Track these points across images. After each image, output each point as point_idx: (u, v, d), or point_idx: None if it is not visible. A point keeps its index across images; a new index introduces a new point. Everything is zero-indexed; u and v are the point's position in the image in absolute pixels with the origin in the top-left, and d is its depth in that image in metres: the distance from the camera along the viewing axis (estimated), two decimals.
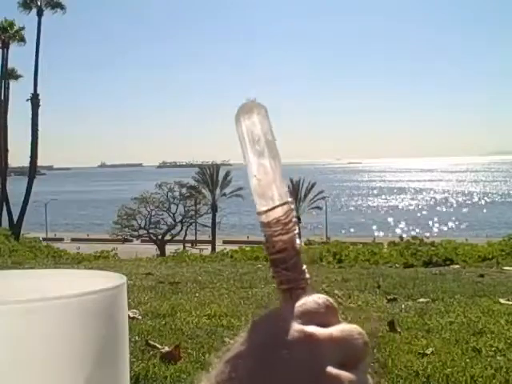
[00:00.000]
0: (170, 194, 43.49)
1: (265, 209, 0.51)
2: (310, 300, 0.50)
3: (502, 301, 5.64)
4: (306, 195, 45.68)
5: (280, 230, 0.50)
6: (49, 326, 0.45)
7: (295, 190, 45.53)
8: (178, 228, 43.17)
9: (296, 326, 0.48)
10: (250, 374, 0.46)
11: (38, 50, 38.64)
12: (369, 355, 0.50)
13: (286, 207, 0.51)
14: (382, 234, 53.87)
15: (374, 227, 62.64)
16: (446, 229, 60.62)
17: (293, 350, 0.46)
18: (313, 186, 46.45)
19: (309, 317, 0.49)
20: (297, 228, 0.51)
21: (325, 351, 0.47)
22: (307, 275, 0.52)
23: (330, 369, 0.46)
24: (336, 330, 0.49)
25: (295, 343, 0.47)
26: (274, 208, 0.51)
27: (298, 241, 0.51)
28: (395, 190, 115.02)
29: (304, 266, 0.52)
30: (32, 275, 0.58)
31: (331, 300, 0.51)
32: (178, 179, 46.27)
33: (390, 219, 69.82)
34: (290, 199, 0.52)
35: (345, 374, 0.46)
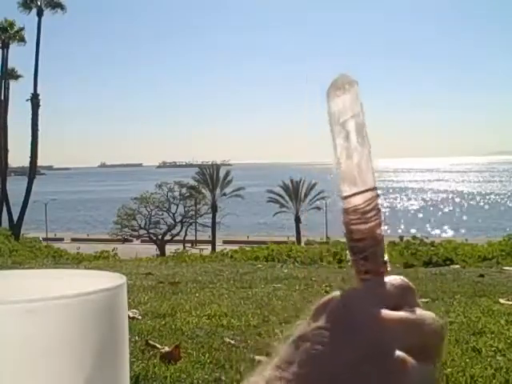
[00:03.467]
0: (169, 193, 43.51)
1: (344, 195, 0.48)
2: (384, 282, 0.48)
3: (502, 301, 5.64)
4: (306, 195, 45.67)
5: (357, 218, 0.48)
6: (49, 325, 0.45)
7: (295, 190, 45.57)
8: (178, 228, 43.19)
9: (364, 308, 0.46)
10: (315, 356, 0.44)
11: (38, 49, 38.71)
12: (439, 345, 0.48)
13: (368, 195, 0.48)
14: None
15: None
16: (445, 229, 60.60)
17: (359, 333, 0.44)
18: (313, 186, 46.44)
19: (381, 299, 0.46)
20: (380, 217, 0.48)
21: (393, 335, 0.44)
22: (387, 267, 0.49)
23: (398, 353, 0.44)
24: (407, 313, 0.46)
25: (362, 325, 0.45)
26: (353, 195, 0.48)
27: (379, 230, 0.48)
28: (395, 190, 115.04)
29: (385, 257, 0.49)
30: (32, 275, 0.58)
31: (407, 281, 0.48)
32: (178, 179, 46.29)
33: (390, 219, 69.88)
34: (374, 186, 0.49)
35: (411, 362, 0.44)
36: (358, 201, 0.48)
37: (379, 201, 0.49)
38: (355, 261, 0.48)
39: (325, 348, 0.44)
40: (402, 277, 0.48)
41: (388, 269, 0.49)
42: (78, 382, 0.46)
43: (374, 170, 0.49)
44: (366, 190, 0.48)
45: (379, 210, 0.48)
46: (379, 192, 0.49)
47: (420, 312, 0.47)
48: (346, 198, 0.48)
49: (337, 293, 0.48)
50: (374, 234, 0.48)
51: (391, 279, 0.48)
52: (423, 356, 0.46)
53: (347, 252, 0.49)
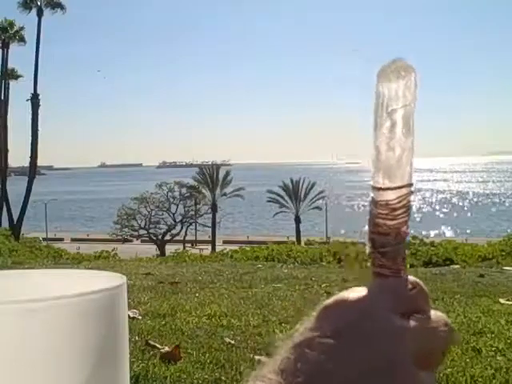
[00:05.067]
0: (169, 194, 43.51)
1: (378, 186, 0.46)
2: (399, 283, 0.46)
3: (502, 301, 5.64)
4: (306, 195, 45.68)
5: (386, 214, 0.45)
6: (49, 325, 0.45)
7: (295, 189, 45.57)
8: (178, 228, 43.19)
9: (376, 314, 0.43)
10: (318, 367, 0.42)
11: (38, 50, 38.72)
12: (447, 349, 0.46)
13: (402, 191, 0.46)
14: None
15: None
16: (445, 229, 60.60)
17: (371, 344, 0.42)
18: (313, 186, 46.45)
19: (394, 303, 0.44)
20: (408, 215, 0.46)
21: (406, 346, 0.42)
22: (405, 265, 0.47)
23: (410, 368, 0.42)
24: (422, 322, 0.44)
25: (373, 334, 0.42)
26: (387, 189, 0.46)
27: (405, 228, 0.46)
28: None
29: (404, 256, 0.47)
30: (32, 275, 0.58)
31: (422, 284, 0.47)
32: (178, 179, 46.30)
33: None
34: (411, 182, 0.46)
35: (420, 375, 0.43)
36: (391, 196, 0.45)
37: (412, 197, 0.47)
38: (373, 253, 0.46)
39: (333, 359, 0.42)
40: (417, 279, 0.47)
41: (404, 267, 0.47)
42: (78, 382, 0.46)
43: (412, 165, 0.46)
44: (402, 187, 0.46)
45: (409, 208, 0.46)
46: (413, 189, 0.47)
47: (434, 317, 0.45)
48: (378, 189, 0.46)
49: (348, 293, 0.45)
50: (398, 231, 0.46)
51: (406, 280, 0.46)
52: (430, 361, 0.45)
53: (366, 242, 0.47)
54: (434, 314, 0.46)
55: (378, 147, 0.46)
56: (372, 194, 0.46)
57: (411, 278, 0.47)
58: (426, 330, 0.44)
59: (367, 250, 0.47)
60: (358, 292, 0.45)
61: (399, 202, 0.45)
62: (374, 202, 0.46)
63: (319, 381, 0.41)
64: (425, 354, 0.44)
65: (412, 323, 0.44)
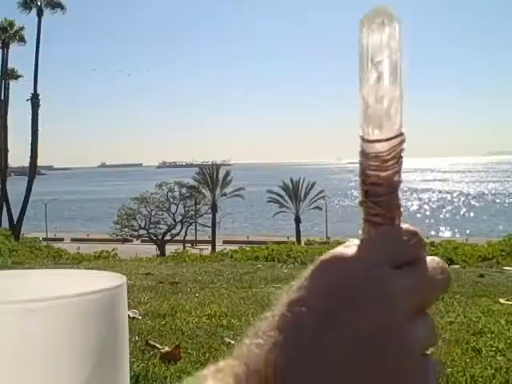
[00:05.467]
0: (169, 194, 43.50)
1: (367, 138, 0.45)
2: (394, 234, 0.45)
3: (502, 301, 5.64)
4: (306, 195, 45.67)
5: (377, 165, 0.44)
6: (49, 325, 0.45)
7: (295, 189, 45.55)
8: (178, 228, 43.18)
9: (370, 272, 0.42)
10: (315, 327, 0.41)
11: (38, 49, 38.69)
12: (440, 294, 0.45)
13: (392, 142, 0.44)
14: None
15: None
16: (445, 229, 60.58)
17: (364, 302, 0.41)
18: (313, 186, 46.44)
19: (390, 254, 0.43)
20: (400, 164, 0.45)
21: (400, 303, 0.42)
22: (400, 212, 0.46)
23: (406, 324, 0.41)
24: (417, 274, 0.43)
25: (368, 293, 0.41)
26: (377, 141, 0.44)
27: (396, 177, 0.45)
28: None
29: (399, 205, 0.46)
30: (32, 275, 0.58)
31: (417, 231, 0.46)
32: (178, 179, 46.30)
33: None
34: (401, 131, 0.45)
35: (417, 329, 0.42)
36: (381, 147, 0.44)
37: (404, 146, 0.45)
38: (366, 203, 0.45)
39: (325, 316, 0.41)
40: (411, 226, 0.46)
41: (400, 215, 0.46)
42: (78, 382, 0.46)
43: (402, 114, 0.45)
44: (392, 138, 0.44)
45: (401, 157, 0.45)
46: (404, 137, 0.45)
47: (430, 265, 0.44)
48: (368, 141, 0.45)
49: (341, 249, 0.44)
50: (391, 181, 0.45)
51: (401, 228, 0.45)
52: (425, 307, 0.44)
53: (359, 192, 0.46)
54: (431, 260, 0.45)
55: (365, 99, 0.44)
56: (362, 146, 0.45)
57: (407, 226, 0.46)
58: (423, 281, 0.43)
59: (359, 199, 0.46)
60: (352, 247, 0.44)
61: (389, 153, 0.44)
62: (365, 154, 0.45)
63: (318, 342, 0.41)
64: (421, 303, 0.44)
65: (408, 278, 0.43)
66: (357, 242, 0.45)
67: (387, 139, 0.44)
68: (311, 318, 0.41)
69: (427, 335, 0.43)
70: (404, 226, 0.46)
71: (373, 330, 0.41)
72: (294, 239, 38.02)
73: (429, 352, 0.44)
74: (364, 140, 0.45)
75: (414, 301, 0.43)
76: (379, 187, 0.45)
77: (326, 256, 0.44)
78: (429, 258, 0.45)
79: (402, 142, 0.45)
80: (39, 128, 39.31)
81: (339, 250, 0.44)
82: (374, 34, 0.43)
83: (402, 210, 0.46)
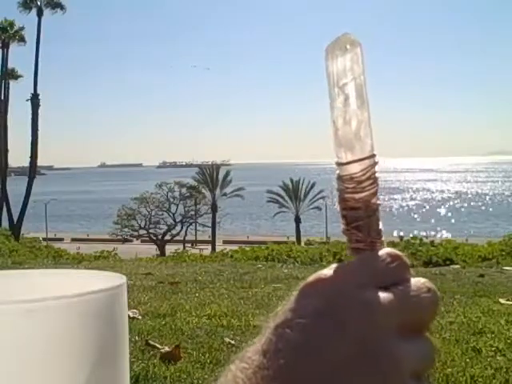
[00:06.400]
0: (169, 194, 43.53)
1: (340, 161, 0.46)
2: (376, 257, 0.45)
3: (502, 301, 5.64)
4: (305, 195, 45.67)
5: (352, 187, 0.45)
6: (49, 325, 0.45)
7: (295, 190, 45.54)
8: (178, 228, 43.21)
9: (353, 292, 0.42)
10: (297, 347, 0.41)
11: (38, 49, 38.70)
12: (433, 314, 0.46)
13: (365, 163, 0.45)
14: None
15: None
16: (444, 229, 60.58)
17: (348, 321, 0.41)
18: (313, 186, 46.43)
19: (373, 277, 0.44)
20: (376, 186, 0.46)
21: (385, 321, 0.42)
22: (381, 237, 0.46)
23: (391, 342, 0.41)
24: (401, 292, 0.43)
25: (352, 312, 0.41)
26: (349, 163, 0.45)
27: (374, 200, 0.46)
28: (394, 190, 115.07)
29: (380, 227, 0.46)
30: (32, 275, 0.58)
31: (400, 254, 0.46)
32: (178, 179, 46.31)
33: (389, 219, 69.90)
34: (373, 153, 0.46)
35: (405, 349, 0.42)
36: (354, 169, 0.45)
37: (377, 168, 0.46)
38: (348, 230, 0.46)
39: (308, 338, 0.41)
40: (393, 249, 0.46)
41: (382, 239, 0.46)
42: (78, 382, 0.46)
43: (372, 136, 0.46)
44: (364, 158, 0.45)
45: (376, 179, 0.46)
46: (377, 160, 0.46)
47: (415, 285, 0.45)
48: (341, 164, 0.46)
49: (327, 270, 0.45)
50: (368, 204, 0.45)
51: (383, 252, 0.45)
52: (417, 328, 0.44)
53: (341, 220, 0.47)
54: (415, 281, 0.45)
55: (334, 122, 0.46)
56: (337, 171, 0.46)
57: (389, 250, 0.46)
58: (408, 300, 0.44)
59: (342, 228, 0.47)
60: (336, 269, 0.45)
61: (363, 174, 0.45)
62: (340, 178, 0.46)
63: (301, 362, 0.41)
64: (411, 323, 0.43)
65: (390, 295, 0.43)
66: (341, 265, 0.45)
67: (359, 159, 0.45)
68: (295, 339, 0.41)
69: (419, 357, 0.43)
70: (386, 249, 0.46)
71: (357, 348, 0.41)
72: (293, 239, 38.01)
73: (423, 377, 0.44)
74: (338, 164, 0.46)
75: (398, 319, 0.43)
76: (358, 211, 0.45)
77: (309, 279, 0.44)
78: (414, 279, 0.46)
79: (375, 163, 0.46)
80: (39, 128, 39.35)
81: (323, 272, 0.45)
82: (337, 61, 0.45)
83: (382, 234, 0.47)
